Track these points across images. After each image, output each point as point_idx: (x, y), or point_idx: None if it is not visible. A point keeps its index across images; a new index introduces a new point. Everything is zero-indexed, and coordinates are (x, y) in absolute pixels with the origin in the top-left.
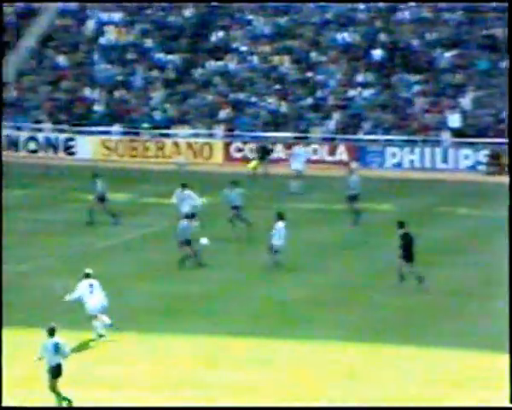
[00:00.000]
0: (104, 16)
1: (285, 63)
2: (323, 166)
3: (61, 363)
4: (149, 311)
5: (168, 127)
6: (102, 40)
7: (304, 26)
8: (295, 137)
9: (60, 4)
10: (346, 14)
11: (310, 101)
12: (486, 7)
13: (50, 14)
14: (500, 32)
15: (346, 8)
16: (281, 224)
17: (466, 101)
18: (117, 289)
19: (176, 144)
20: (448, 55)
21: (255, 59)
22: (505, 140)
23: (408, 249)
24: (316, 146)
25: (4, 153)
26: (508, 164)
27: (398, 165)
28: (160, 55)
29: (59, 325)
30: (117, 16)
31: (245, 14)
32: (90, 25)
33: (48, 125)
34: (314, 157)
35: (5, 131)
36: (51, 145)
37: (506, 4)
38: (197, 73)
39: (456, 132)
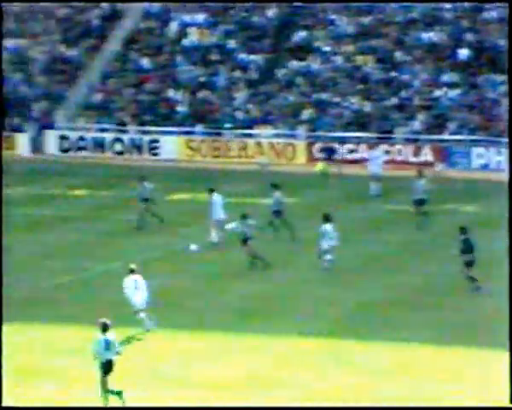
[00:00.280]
0: (187, 18)
1: (369, 63)
2: (408, 166)
3: (112, 359)
4: (237, 310)
5: (251, 127)
6: (186, 42)
7: (388, 26)
8: (378, 138)
9: (144, 7)
10: (432, 14)
11: (394, 101)
12: None
13: (134, 16)
14: None
15: (431, 7)
16: (328, 226)
17: None
18: (203, 290)
19: (258, 145)
20: None
21: (338, 59)
22: None
23: (468, 254)
24: (400, 147)
25: (91, 155)
26: (508, 163)
27: (485, 166)
28: (243, 56)
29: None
30: (200, 17)
31: (328, 14)
32: (174, 26)
33: (132, 127)
34: (398, 158)
35: (91, 134)
36: (136, 146)
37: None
38: (280, 73)
39: None
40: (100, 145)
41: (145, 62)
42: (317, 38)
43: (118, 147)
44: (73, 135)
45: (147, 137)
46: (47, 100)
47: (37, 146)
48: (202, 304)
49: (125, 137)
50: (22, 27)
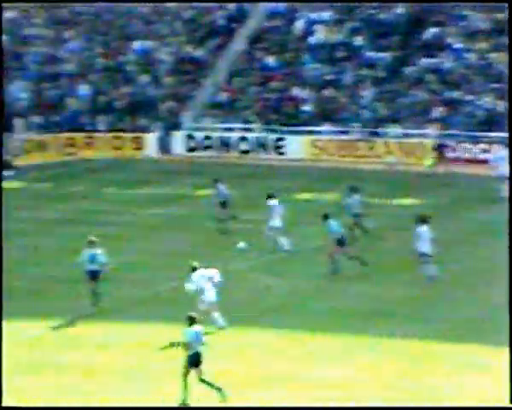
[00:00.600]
0: (313, 16)
1: (503, 60)
2: None
3: (200, 352)
4: (354, 312)
5: (378, 126)
6: (312, 39)
7: None
8: None
9: (269, 6)
10: None
11: None
12: None
13: (260, 15)
14: None
15: None
16: (424, 227)
17: None
18: (319, 290)
19: (386, 144)
20: None
21: (471, 56)
22: None
23: None
24: None
25: (217, 154)
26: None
27: None
28: (371, 53)
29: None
30: (326, 15)
31: (460, 10)
32: (300, 25)
33: (258, 126)
34: None
35: (217, 133)
36: (261, 145)
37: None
38: (408, 70)
39: None
40: (226, 144)
41: (271, 61)
42: (448, 35)
43: (243, 146)
44: (200, 135)
45: (272, 136)
46: (174, 100)
47: (164, 146)
48: (324, 306)
49: (251, 136)
50: (149, 29)
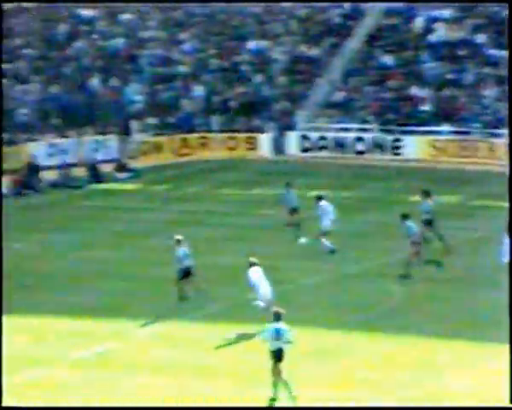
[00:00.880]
0: (433, 13)
1: None
2: None
3: (282, 348)
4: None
5: (500, 127)
6: (431, 37)
7: None
8: None
9: (386, 4)
10: None
11: None
12: None
13: (376, 13)
14: None
15: None
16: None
17: None
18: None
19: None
20: None
21: None
22: None
23: None
24: None
25: (332, 154)
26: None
27: None
28: (493, 51)
29: None
30: (447, 12)
31: None
32: (419, 22)
33: (374, 126)
34: None
35: (332, 133)
36: (378, 146)
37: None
38: None
39: None
40: (341, 145)
41: (388, 59)
42: None
43: (359, 147)
44: (314, 135)
45: (389, 137)
46: (288, 100)
47: (278, 146)
48: (446, 309)
49: (367, 137)
50: (263, 28)
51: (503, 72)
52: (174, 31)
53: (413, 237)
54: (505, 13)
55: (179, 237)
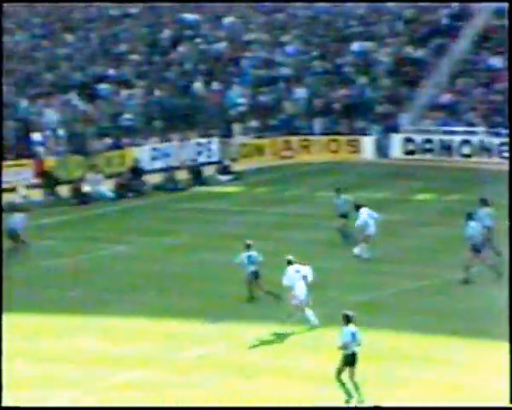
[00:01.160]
0: None
1: None
2: None
3: (357, 352)
4: None
5: None
6: None
7: None
8: None
9: (496, 4)
10: None
11: None
12: None
13: (485, 14)
14: None
15: None
16: None
17: None
18: None
19: None
20: None
21: None
22: None
23: None
24: None
25: (437, 158)
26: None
27: None
28: None
29: None
30: None
31: None
32: None
33: (482, 129)
34: None
35: (438, 136)
36: (485, 149)
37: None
38: None
39: None
40: (447, 148)
41: (496, 61)
42: None
43: (465, 150)
44: (419, 137)
45: (497, 140)
46: (392, 102)
47: (381, 149)
48: None
49: (474, 140)
50: (368, 30)
51: None
52: (277, 33)
53: (471, 239)
54: None
55: (249, 241)
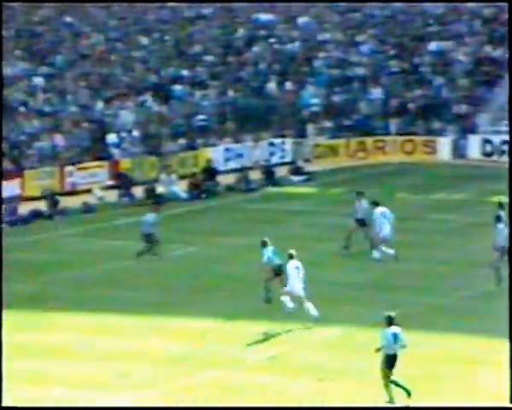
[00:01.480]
0: None
1: None
2: None
3: (398, 354)
4: None
5: None
6: None
7: None
8: None
9: None
10: None
11: None
12: None
13: None
14: None
15: None
16: None
17: None
18: None
19: None
20: None
21: None
22: None
23: None
24: None
25: None
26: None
27: None
28: None
29: None
30: None
31: None
32: None
33: None
34: None
35: None
36: None
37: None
38: None
39: None
40: None
41: None
42: None
43: None
44: (497, 139)
45: None
46: (469, 102)
47: (458, 150)
48: None
49: None
50: (446, 29)
51: None
52: (352, 33)
53: (495, 242)
54: None
55: (265, 238)
